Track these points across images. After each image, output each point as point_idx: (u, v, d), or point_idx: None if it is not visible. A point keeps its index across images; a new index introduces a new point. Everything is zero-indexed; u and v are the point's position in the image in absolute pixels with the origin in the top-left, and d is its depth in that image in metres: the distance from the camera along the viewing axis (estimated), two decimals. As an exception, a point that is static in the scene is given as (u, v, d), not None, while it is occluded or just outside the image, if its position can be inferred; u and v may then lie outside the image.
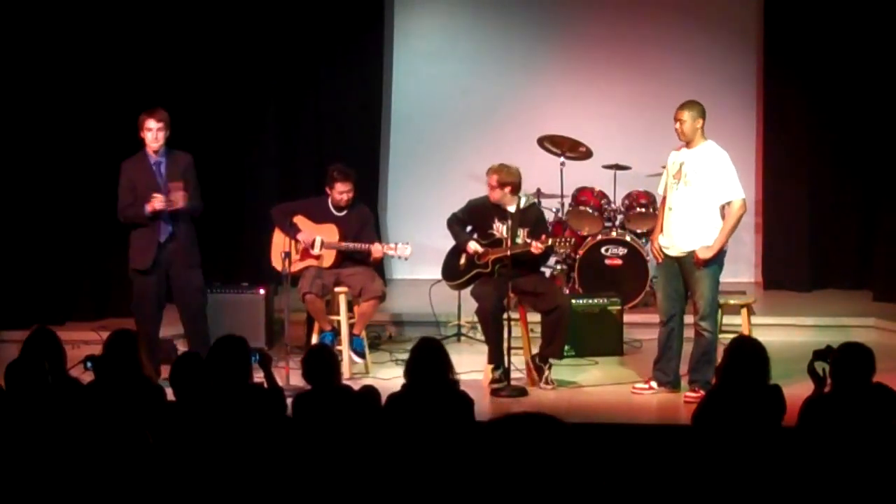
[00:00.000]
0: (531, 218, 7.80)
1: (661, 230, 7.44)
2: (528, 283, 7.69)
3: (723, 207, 7.34)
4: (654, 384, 7.49)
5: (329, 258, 8.07)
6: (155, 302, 7.60)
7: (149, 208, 7.42)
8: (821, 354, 5.51)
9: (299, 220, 8.14)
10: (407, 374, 5.71)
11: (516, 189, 7.70)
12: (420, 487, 5.01)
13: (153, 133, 7.48)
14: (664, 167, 7.58)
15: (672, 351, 7.48)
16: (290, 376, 7.38)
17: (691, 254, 7.26)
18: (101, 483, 4.66)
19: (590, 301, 8.64)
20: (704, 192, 7.25)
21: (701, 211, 7.26)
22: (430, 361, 5.63)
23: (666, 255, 7.39)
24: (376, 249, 8.01)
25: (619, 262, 9.32)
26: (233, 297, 8.74)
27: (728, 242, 7.41)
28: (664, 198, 7.50)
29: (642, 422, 6.98)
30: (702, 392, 7.23)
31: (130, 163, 7.62)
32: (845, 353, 5.38)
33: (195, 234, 7.70)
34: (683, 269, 7.33)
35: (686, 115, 7.26)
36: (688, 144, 7.33)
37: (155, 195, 7.42)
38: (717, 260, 7.31)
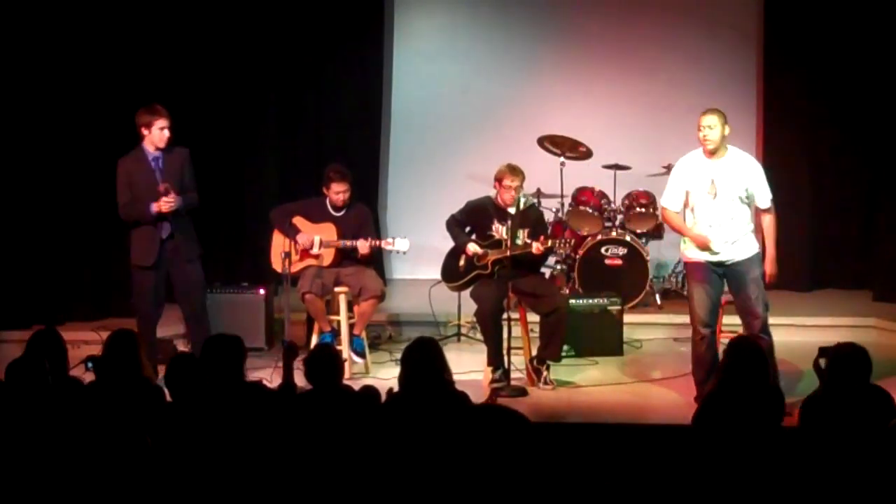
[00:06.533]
0: (531, 219, 7.81)
1: (702, 246, 6.96)
2: (528, 284, 7.68)
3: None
4: None
5: (328, 257, 8.07)
6: (154, 298, 7.60)
7: (154, 209, 7.42)
8: (826, 352, 5.51)
9: (298, 220, 8.14)
10: (402, 373, 5.69)
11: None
12: (417, 487, 5.01)
13: (166, 131, 7.47)
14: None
15: (712, 366, 6.85)
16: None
17: (750, 260, 6.99)
18: (101, 483, 4.66)
19: (589, 301, 8.64)
20: (744, 204, 6.95)
21: (746, 220, 7.00)
22: (425, 360, 5.61)
23: (710, 263, 6.98)
24: (362, 245, 7.99)
25: (619, 262, 9.32)
26: (233, 297, 8.76)
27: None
28: (682, 210, 7.10)
29: (642, 422, 6.98)
30: None
31: (128, 160, 7.59)
32: (840, 355, 5.38)
33: (194, 229, 7.70)
34: (735, 274, 6.99)
35: (715, 121, 6.81)
36: (712, 153, 6.90)
37: (164, 199, 7.39)
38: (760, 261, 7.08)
